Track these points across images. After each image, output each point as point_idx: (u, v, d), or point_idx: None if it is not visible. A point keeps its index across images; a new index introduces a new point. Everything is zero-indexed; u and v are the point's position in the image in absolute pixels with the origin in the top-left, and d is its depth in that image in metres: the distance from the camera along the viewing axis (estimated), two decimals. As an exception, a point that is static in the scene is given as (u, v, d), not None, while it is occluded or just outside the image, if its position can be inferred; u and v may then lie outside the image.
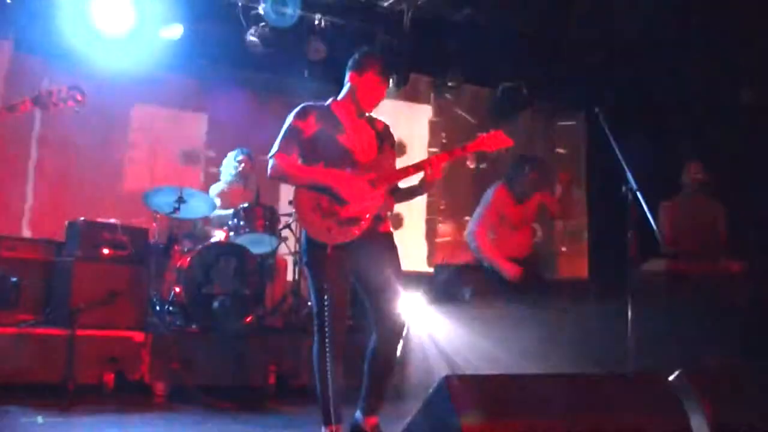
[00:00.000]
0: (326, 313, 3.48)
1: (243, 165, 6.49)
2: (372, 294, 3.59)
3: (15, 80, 6.60)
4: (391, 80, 3.75)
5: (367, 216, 3.51)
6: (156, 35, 6.73)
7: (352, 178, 3.50)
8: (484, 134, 3.75)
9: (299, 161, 3.60)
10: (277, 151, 3.57)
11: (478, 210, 5.61)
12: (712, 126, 7.01)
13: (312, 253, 3.56)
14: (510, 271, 5.37)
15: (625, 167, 4.04)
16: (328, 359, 3.48)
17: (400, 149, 7.86)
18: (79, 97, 3.72)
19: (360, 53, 3.73)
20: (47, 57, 6.66)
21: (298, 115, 3.62)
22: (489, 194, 5.63)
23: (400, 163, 3.76)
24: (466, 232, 5.60)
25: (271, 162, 3.58)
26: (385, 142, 3.73)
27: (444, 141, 8.67)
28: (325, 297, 3.47)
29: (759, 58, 6.73)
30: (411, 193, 3.77)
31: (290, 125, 3.61)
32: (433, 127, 8.77)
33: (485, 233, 5.47)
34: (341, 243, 3.47)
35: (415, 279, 6.56)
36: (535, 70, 7.88)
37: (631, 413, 3.01)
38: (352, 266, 3.53)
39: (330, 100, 3.73)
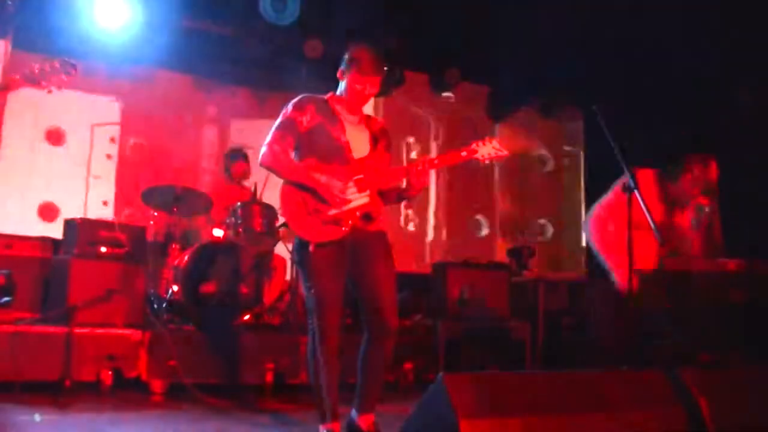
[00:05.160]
0: (317, 311, 3.49)
1: (241, 163, 6.48)
2: (364, 292, 3.59)
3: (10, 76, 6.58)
4: (382, 75, 3.64)
5: (352, 217, 3.51)
6: (155, 32, 6.74)
7: (338, 181, 3.49)
8: (479, 141, 3.71)
9: (293, 153, 3.59)
10: (271, 140, 3.56)
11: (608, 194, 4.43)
12: (711, 124, 7.01)
13: (300, 251, 3.56)
14: (620, 281, 4.19)
15: (624, 166, 4.03)
16: (322, 357, 3.49)
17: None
18: (71, 70, 3.68)
19: (349, 49, 3.70)
20: (45, 54, 6.64)
21: (296, 107, 3.62)
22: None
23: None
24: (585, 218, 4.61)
25: (263, 150, 3.58)
26: (380, 142, 3.71)
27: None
28: (314, 295, 3.48)
29: (758, 57, 6.73)
30: (399, 196, 3.76)
31: (288, 116, 3.60)
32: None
33: (606, 222, 4.30)
34: (325, 242, 3.47)
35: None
36: (533, 68, 7.88)
37: (630, 410, 3.01)
38: (343, 265, 3.53)
39: (329, 94, 3.72)
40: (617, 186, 4.47)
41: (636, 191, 4.02)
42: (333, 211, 3.48)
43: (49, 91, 3.65)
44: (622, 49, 7.30)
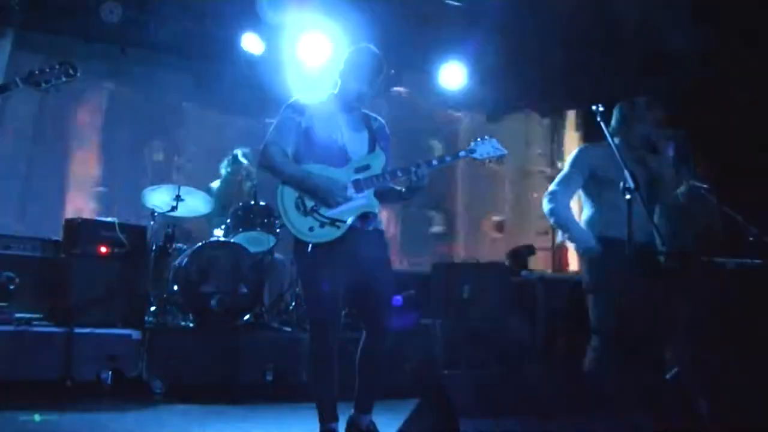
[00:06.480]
0: (315, 311, 3.49)
1: (240, 163, 6.49)
2: (361, 292, 3.59)
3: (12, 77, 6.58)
4: (381, 74, 3.64)
5: (349, 218, 3.51)
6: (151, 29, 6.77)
7: (335, 182, 3.49)
8: (478, 140, 3.71)
9: (291, 154, 3.58)
10: (272, 141, 3.56)
11: (564, 169, 4.35)
12: (711, 124, 7.01)
13: (297, 251, 3.57)
14: (581, 241, 4.07)
15: (623, 166, 4.02)
16: (321, 357, 3.50)
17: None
18: (71, 72, 3.68)
19: (348, 49, 3.71)
20: (47, 56, 6.65)
21: (293, 107, 3.62)
22: (578, 148, 4.42)
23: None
24: (544, 194, 4.31)
25: (261, 151, 3.58)
26: (378, 141, 3.70)
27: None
28: (311, 295, 3.49)
29: (757, 57, 6.72)
30: (398, 196, 3.76)
31: (285, 116, 3.60)
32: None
33: (566, 196, 4.20)
34: (322, 242, 3.47)
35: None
36: (533, 68, 7.88)
37: (629, 410, 3.02)
38: (341, 265, 3.52)
39: (327, 95, 3.72)
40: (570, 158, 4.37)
41: (636, 192, 4.02)
42: (330, 212, 3.49)
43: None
44: (621, 48, 7.31)
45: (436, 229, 8.99)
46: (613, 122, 4.32)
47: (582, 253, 4.08)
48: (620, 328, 4.02)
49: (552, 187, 4.29)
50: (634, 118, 4.30)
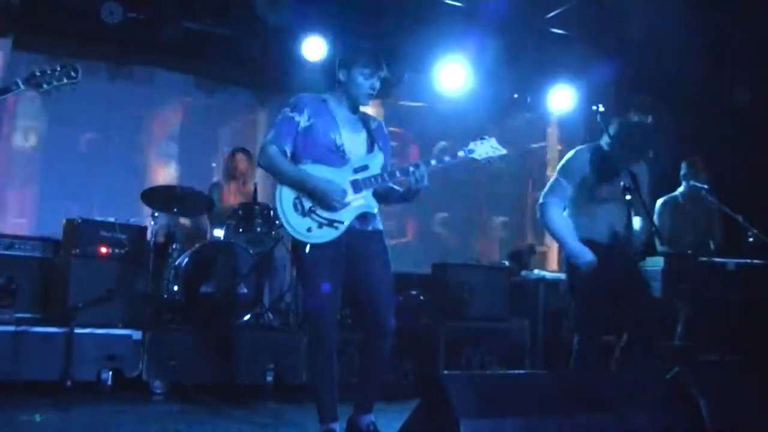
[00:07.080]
0: (314, 312, 3.50)
1: (241, 164, 6.49)
2: (360, 293, 3.59)
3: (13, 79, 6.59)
4: (381, 74, 3.62)
5: (347, 218, 3.51)
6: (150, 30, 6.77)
7: (334, 183, 3.49)
8: (477, 140, 3.68)
9: (290, 153, 3.57)
10: (271, 140, 3.56)
11: (552, 176, 4.37)
12: (711, 125, 7.01)
13: (296, 252, 3.57)
14: (580, 256, 4.07)
15: (622, 167, 4.02)
16: (320, 357, 3.50)
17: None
18: (73, 74, 3.67)
19: (348, 48, 3.70)
20: (47, 56, 6.66)
21: (293, 106, 3.61)
22: (568, 155, 4.39)
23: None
24: (537, 203, 4.33)
25: (261, 151, 3.57)
26: (377, 141, 3.70)
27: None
28: (311, 295, 3.49)
29: (757, 58, 6.73)
30: (398, 197, 3.75)
31: (286, 116, 3.60)
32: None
33: (557, 206, 4.21)
34: (321, 243, 3.47)
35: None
36: (533, 68, 7.88)
37: (629, 410, 3.02)
38: (340, 265, 3.52)
39: (326, 95, 3.72)
40: (560, 166, 4.34)
41: (636, 193, 4.02)
42: (328, 213, 3.49)
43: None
44: (622, 49, 7.31)
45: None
46: (612, 131, 4.25)
47: (580, 268, 4.09)
48: (599, 326, 4.10)
49: (541, 198, 4.30)
50: (630, 146, 4.21)
